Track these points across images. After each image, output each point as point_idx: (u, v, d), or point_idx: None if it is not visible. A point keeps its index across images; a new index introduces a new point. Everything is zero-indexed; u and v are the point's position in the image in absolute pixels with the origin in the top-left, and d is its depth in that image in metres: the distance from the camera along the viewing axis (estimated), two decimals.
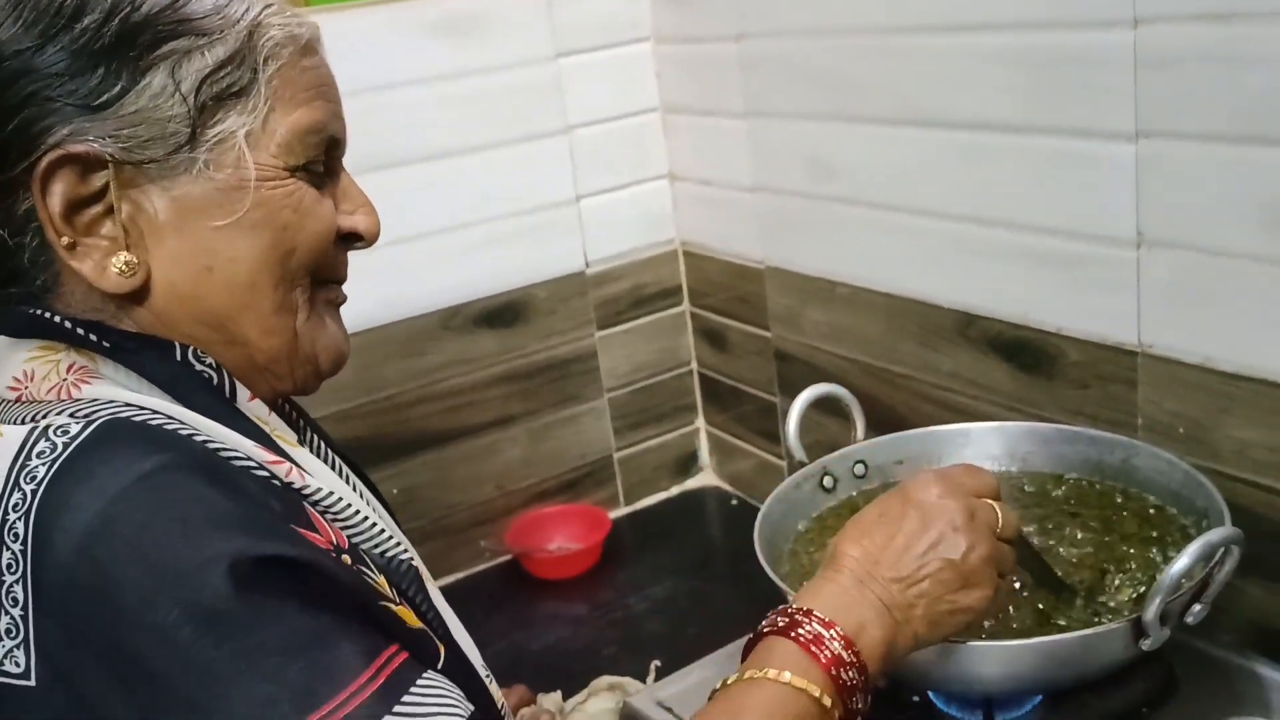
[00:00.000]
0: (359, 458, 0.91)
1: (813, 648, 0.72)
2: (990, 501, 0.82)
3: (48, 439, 0.63)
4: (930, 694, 0.96)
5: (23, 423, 0.66)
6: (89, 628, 0.59)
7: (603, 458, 1.73)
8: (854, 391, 1.17)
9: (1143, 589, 0.93)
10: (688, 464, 1.82)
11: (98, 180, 0.68)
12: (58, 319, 0.70)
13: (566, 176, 1.61)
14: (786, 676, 0.71)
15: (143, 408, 0.67)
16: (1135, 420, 1.08)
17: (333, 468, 0.83)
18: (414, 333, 1.53)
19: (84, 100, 0.67)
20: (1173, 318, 1.02)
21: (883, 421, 1.28)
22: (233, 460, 0.67)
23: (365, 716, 0.59)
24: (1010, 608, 0.92)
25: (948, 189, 1.21)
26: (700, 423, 1.81)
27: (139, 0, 0.68)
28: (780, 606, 0.77)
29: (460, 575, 1.60)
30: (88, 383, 0.69)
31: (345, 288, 0.82)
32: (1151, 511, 1.02)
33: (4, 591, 0.61)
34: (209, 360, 0.72)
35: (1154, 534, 1.00)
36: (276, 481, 0.68)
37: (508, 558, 1.61)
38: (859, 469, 1.14)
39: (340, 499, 0.72)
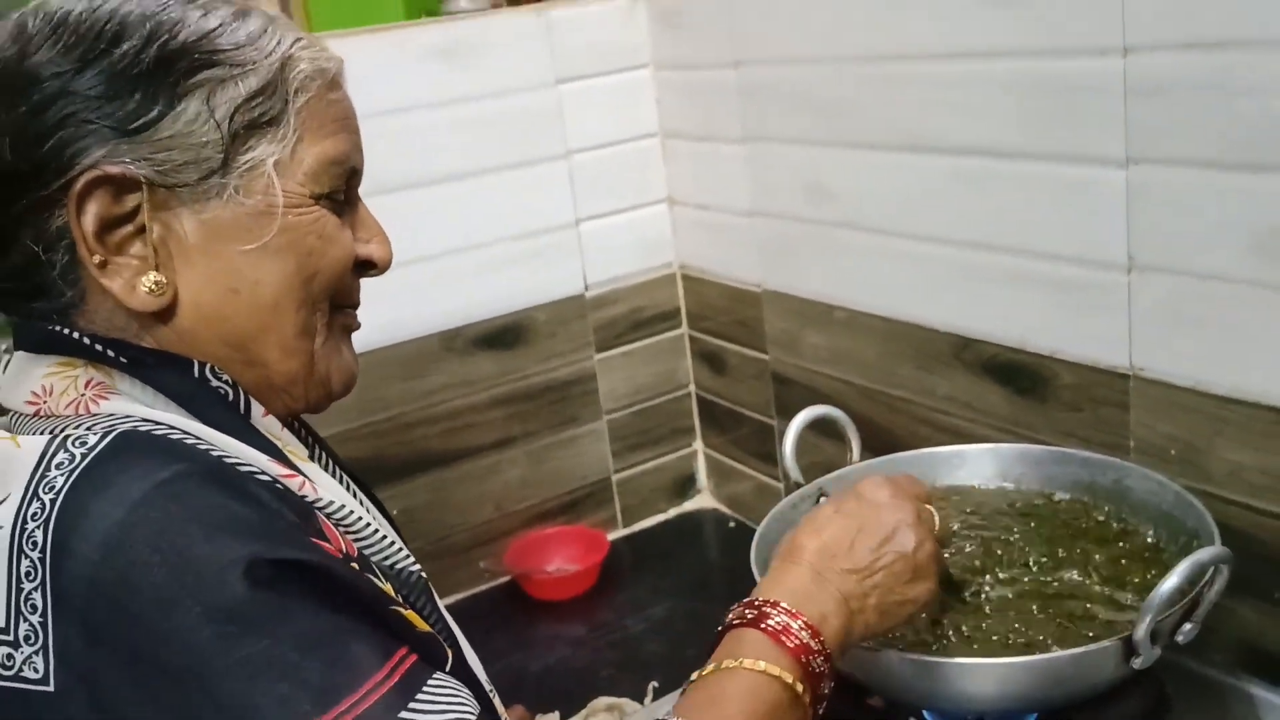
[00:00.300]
0: (364, 478, 0.92)
1: (781, 637, 0.75)
2: (929, 506, 0.88)
3: (66, 450, 0.65)
4: (925, 713, 0.97)
5: (42, 435, 0.67)
6: (110, 632, 0.61)
7: (601, 479, 1.74)
8: (851, 414, 1.18)
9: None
10: (686, 486, 1.82)
11: (131, 201, 0.70)
12: (77, 335, 0.71)
13: (567, 200, 1.63)
14: (761, 665, 0.74)
15: (159, 422, 0.68)
16: (1128, 442, 1.09)
17: (341, 483, 0.84)
18: (415, 354, 1.55)
19: (120, 123, 0.69)
20: (1164, 341, 1.03)
21: (879, 443, 1.29)
22: (245, 472, 0.68)
23: (383, 711, 0.61)
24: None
25: (943, 214, 1.22)
26: (698, 445, 1.82)
27: (177, 29, 0.71)
28: (745, 599, 0.79)
29: (459, 596, 1.60)
30: (105, 398, 0.70)
31: None
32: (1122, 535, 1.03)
33: (23, 599, 0.62)
34: (225, 377, 0.74)
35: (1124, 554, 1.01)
36: (287, 494, 0.69)
37: (507, 579, 1.62)
38: None
39: (350, 511, 0.74)
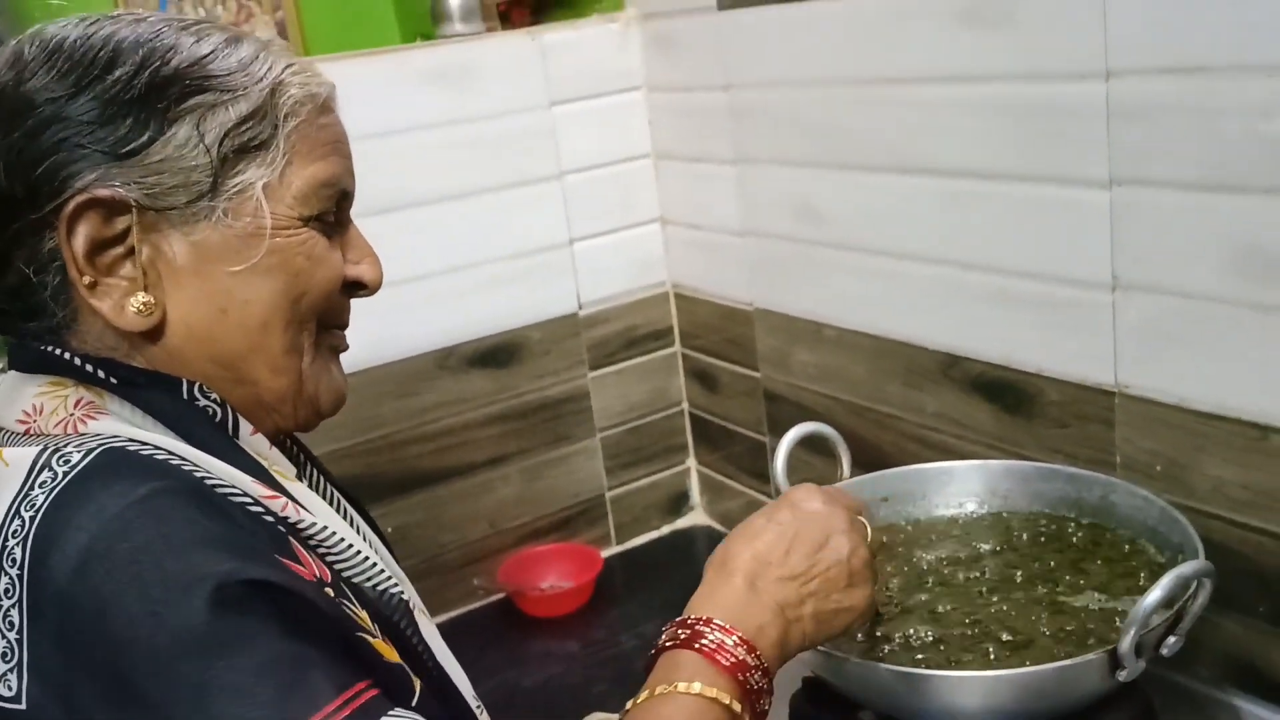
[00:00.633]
0: (357, 496, 0.93)
1: (717, 656, 0.74)
2: (860, 516, 0.88)
3: (50, 469, 0.66)
4: None
5: (29, 454, 0.68)
6: (82, 649, 0.61)
7: (595, 497, 1.75)
8: (841, 431, 1.19)
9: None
10: (679, 503, 1.83)
11: (121, 223, 0.71)
12: (68, 355, 0.72)
13: (560, 220, 1.64)
14: (697, 687, 0.72)
15: (145, 442, 0.69)
16: (1114, 459, 1.10)
17: (330, 502, 0.85)
18: (409, 373, 1.56)
19: (112, 148, 0.70)
20: (1148, 359, 1.05)
21: (868, 460, 1.30)
22: (226, 494, 0.69)
23: None
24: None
25: (931, 234, 1.24)
26: (691, 462, 1.83)
27: (169, 55, 0.72)
28: (678, 618, 0.78)
29: (453, 613, 1.61)
30: (94, 418, 0.71)
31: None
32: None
33: (2, 616, 0.63)
34: (214, 396, 0.74)
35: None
36: (268, 516, 0.70)
37: (500, 596, 1.63)
38: None
39: (333, 533, 0.74)
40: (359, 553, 0.76)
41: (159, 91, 0.71)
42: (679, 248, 1.71)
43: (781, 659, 0.79)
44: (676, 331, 1.77)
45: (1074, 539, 1.07)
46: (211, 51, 0.73)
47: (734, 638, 0.75)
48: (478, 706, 0.82)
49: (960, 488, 1.16)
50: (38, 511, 0.64)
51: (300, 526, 0.72)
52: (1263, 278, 0.93)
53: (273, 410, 0.78)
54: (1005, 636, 0.95)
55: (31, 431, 0.71)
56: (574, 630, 1.55)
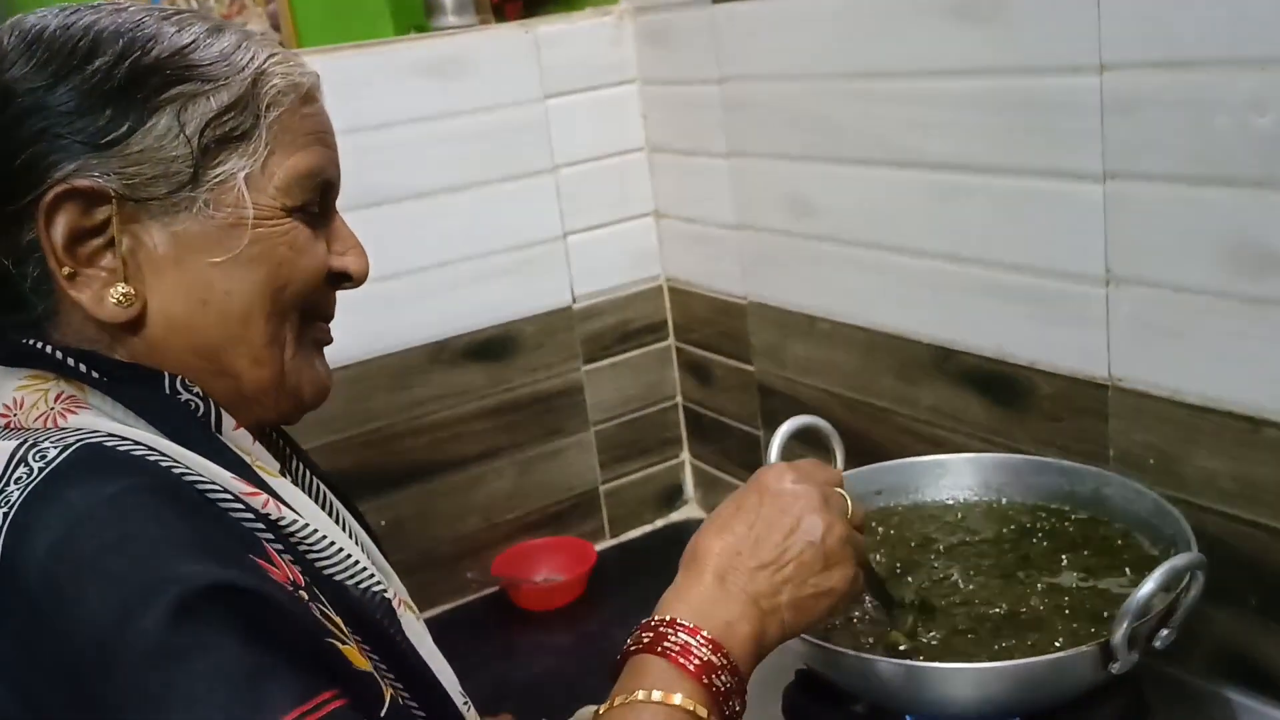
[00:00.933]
0: (346, 490, 0.92)
1: (680, 659, 0.72)
2: (839, 490, 0.83)
3: (26, 464, 0.65)
4: (908, 718, 0.98)
5: (6, 449, 0.67)
6: (42, 650, 0.60)
7: (588, 490, 1.75)
8: (835, 424, 1.19)
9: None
10: (673, 497, 1.83)
11: (100, 214, 0.70)
12: (49, 349, 0.72)
13: (554, 214, 1.64)
14: (657, 695, 0.70)
15: (124, 438, 0.68)
16: (1107, 451, 1.10)
17: (316, 498, 0.84)
18: (402, 366, 1.55)
19: (91, 138, 0.70)
20: (1141, 352, 1.05)
21: (862, 453, 1.30)
22: (204, 490, 0.67)
23: None
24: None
25: (924, 227, 1.24)
26: (685, 456, 1.83)
27: (149, 45, 0.71)
28: (644, 620, 0.76)
29: (446, 606, 1.61)
30: (74, 412, 0.70)
31: (334, 323, 0.84)
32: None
33: None
34: (196, 390, 0.74)
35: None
36: (247, 514, 0.69)
37: (494, 589, 1.63)
38: None
39: (315, 530, 0.73)
40: (341, 550, 0.75)
41: (139, 81, 0.71)
42: (673, 241, 1.71)
43: (759, 653, 0.76)
44: (670, 325, 1.77)
45: (1067, 532, 1.08)
46: (192, 41, 0.73)
47: (698, 638, 0.73)
48: (464, 703, 0.81)
49: (953, 481, 1.16)
50: (11, 508, 0.63)
51: (281, 523, 0.71)
52: (1255, 271, 0.93)
53: (254, 402, 0.78)
54: (993, 610, 0.96)
55: (11, 425, 0.70)
56: (567, 624, 1.55)
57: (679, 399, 1.80)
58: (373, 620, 0.74)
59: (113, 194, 0.70)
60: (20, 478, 0.64)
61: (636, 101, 1.67)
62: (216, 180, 0.72)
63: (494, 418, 1.64)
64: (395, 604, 0.78)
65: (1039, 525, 1.09)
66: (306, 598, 0.67)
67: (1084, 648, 0.86)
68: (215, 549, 0.62)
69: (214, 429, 0.74)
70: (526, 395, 1.66)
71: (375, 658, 0.72)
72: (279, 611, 0.62)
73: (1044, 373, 1.15)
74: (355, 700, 0.63)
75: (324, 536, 0.74)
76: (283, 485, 0.76)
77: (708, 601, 0.76)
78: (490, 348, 1.62)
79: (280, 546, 0.69)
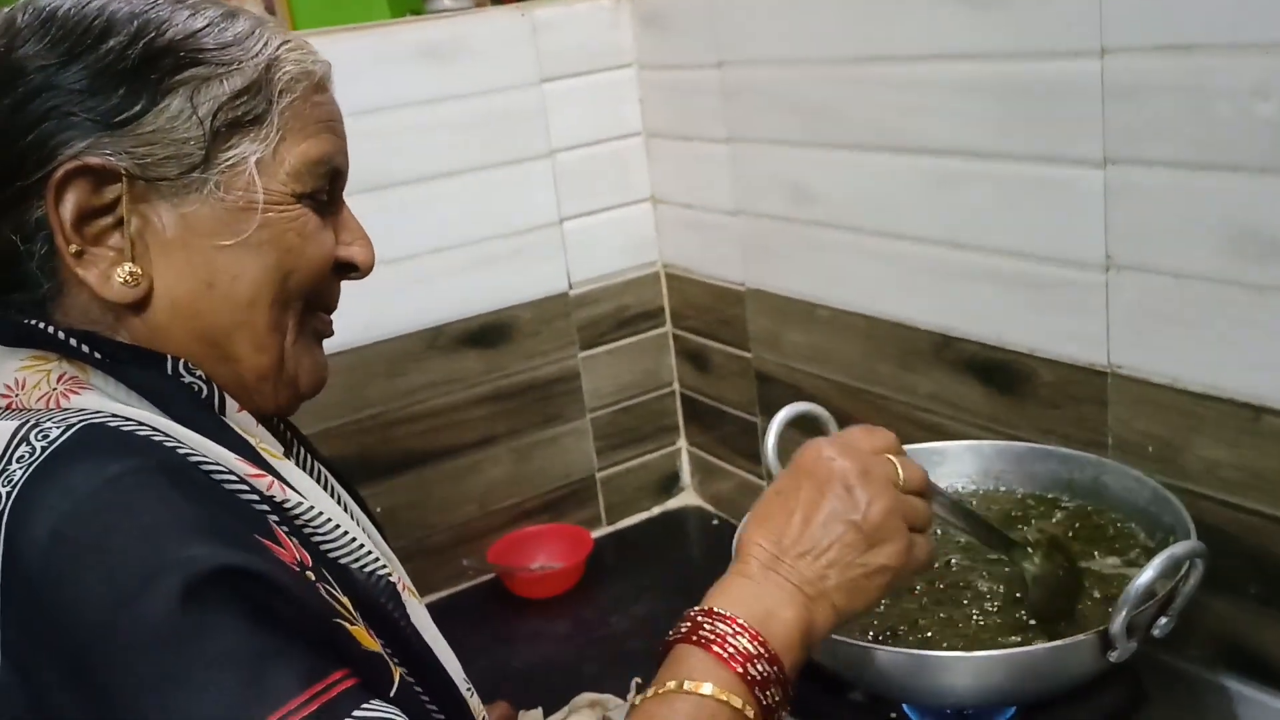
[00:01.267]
0: (348, 475, 0.92)
1: (715, 648, 0.71)
2: (888, 456, 0.80)
3: (28, 444, 0.64)
4: (905, 707, 0.98)
5: (8, 428, 0.67)
6: (46, 632, 0.60)
7: (585, 477, 1.74)
8: (833, 411, 1.18)
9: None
10: (669, 484, 1.83)
11: (110, 193, 0.71)
12: (51, 329, 0.71)
13: (550, 199, 1.63)
14: (688, 685, 0.69)
15: (128, 418, 0.67)
16: (1106, 439, 1.10)
17: (319, 482, 0.84)
18: (398, 353, 1.55)
19: (104, 117, 0.70)
20: (1141, 339, 1.05)
21: None
22: (208, 471, 0.67)
23: None
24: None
25: (923, 214, 1.23)
26: (682, 443, 1.83)
27: (164, 27, 0.72)
28: (686, 611, 0.75)
29: (443, 594, 1.61)
30: (76, 393, 0.70)
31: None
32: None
33: None
34: (199, 373, 0.74)
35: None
36: (252, 495, 0.69)
37: (490, 576, 1.63)
38: None
39: (320, 513, 0.73)
40: (346, 533, 0.75)
41: (152, 63, 0.71)
42: (670, 227, 1.70)
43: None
44: (668, 311, 1.76)
45: (1063, 520, 1.07)
46: (207, 25, 0.73)
47: (735, 626, 0.72)
48: (468, 690, 0.82)
49: (953, 469, 1.16)
50: (14, 488, 0.62)
51: (286, 506, 0.71)
52: (1256, 258, 0.93)
53: (254, 390, 0.78)
54: (984, 587, 0.96)
55: (13, 406, 0.70)
56: (564, 611, 1.55)
57: (676, 386, 1.80)
58: (377, 604, 0.75)
59: (124, 173, 0.70)
60: (22, 456, 0.64)
61: (634, 86, 1.66)
62: (227, 163, 0.73)
63: (490, 404, 1.63)
64: (400, 588, 0.78)
65: (1030, 514, 1.09)
66: (314, 578, 0.67)
67: (1082, 636, 0.86)
68: (221, 530, 0.62)
69: (217, 411, 0.74)
70: (523, 382, 1.65)
71: (381, 641, 0.72)
72: (286, 592, 0.62)
73: (1044, 360, 1.15)
74: (365, 680, 0.63)
75: (329, 519, 0.74)
76: (287, 468, 0.76)
77: (748, 592, 0.75)
78: (487, 334, 1.61)
79: (286, 529, 0.69)
